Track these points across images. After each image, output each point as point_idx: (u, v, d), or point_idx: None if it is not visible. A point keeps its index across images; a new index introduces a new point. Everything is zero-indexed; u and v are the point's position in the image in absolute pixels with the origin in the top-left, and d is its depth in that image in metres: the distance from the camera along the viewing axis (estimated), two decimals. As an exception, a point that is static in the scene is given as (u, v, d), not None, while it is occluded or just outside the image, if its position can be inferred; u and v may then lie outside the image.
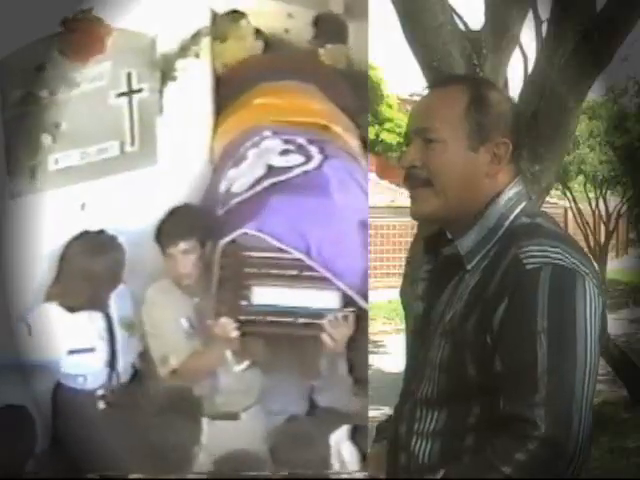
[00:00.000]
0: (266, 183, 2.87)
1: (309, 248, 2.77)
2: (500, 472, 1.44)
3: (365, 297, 2.83)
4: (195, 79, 3.04)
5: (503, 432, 1.47)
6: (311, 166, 2.90)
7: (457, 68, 4.03)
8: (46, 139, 2.87)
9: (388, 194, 17.88)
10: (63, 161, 2.91)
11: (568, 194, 15.92)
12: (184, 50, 2.96)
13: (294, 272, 2.79)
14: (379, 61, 18.14)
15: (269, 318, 2.83)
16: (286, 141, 2.98)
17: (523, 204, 1.66)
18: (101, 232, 2.90)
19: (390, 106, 20.16)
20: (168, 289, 2.99)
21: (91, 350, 2.94)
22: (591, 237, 15.97)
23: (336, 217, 2.84)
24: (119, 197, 2.95)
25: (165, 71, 2.95)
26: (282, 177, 2.88)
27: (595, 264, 1.67)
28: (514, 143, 1.67)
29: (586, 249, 14.04)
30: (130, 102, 2.94)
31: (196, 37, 2.99)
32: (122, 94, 2.94)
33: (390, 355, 10.40)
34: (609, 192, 17.02)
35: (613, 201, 17.33)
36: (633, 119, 13.64)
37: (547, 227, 1.63)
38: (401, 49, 4.36)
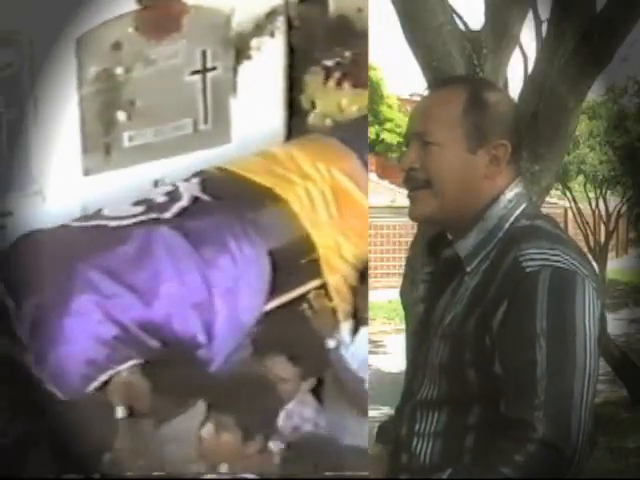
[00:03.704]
0: (77, 223, 2.71)
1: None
2: (500, 473, 1.43)
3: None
4: (270, 58, 3.00)
5: (503, 434, 1.47)
6: (119, 223, 2.63)
7: (457, 68, 4.03)
8: (121, 116, 2.87)
9: (388, 194, 17.87)
10: (137, 138, 2.91)
11: (568, 194, 15.89)
12: (259, 28, 2.93)
13: None
14: (379, 61, 18.19)
15: None
16: (169, 192, 2.74)
17: (523, 206, 1.65)
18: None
19: (390, 106, 20.18)
20: None
21: None
22: (591, 237, 15.92)
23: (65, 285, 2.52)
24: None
25: (240, 49, 2.92)
26: (87, 222, 2.68)
27: (595, 264, 1.67)
28: (514, 144, 1.66)
29: (586, 249, 14.03)
30: (204, 80, 2.93)
31: (271, 15, 2.95)
32: (196, 72, 2.92)
33: (390, 355, 10.41)
34: (609, 192, 16.99)
35: (613, 201, 17.30)
36: (633, 119, 13.62)
37: (547, 229, 1.62)
38: (401, 49, 4.36)
